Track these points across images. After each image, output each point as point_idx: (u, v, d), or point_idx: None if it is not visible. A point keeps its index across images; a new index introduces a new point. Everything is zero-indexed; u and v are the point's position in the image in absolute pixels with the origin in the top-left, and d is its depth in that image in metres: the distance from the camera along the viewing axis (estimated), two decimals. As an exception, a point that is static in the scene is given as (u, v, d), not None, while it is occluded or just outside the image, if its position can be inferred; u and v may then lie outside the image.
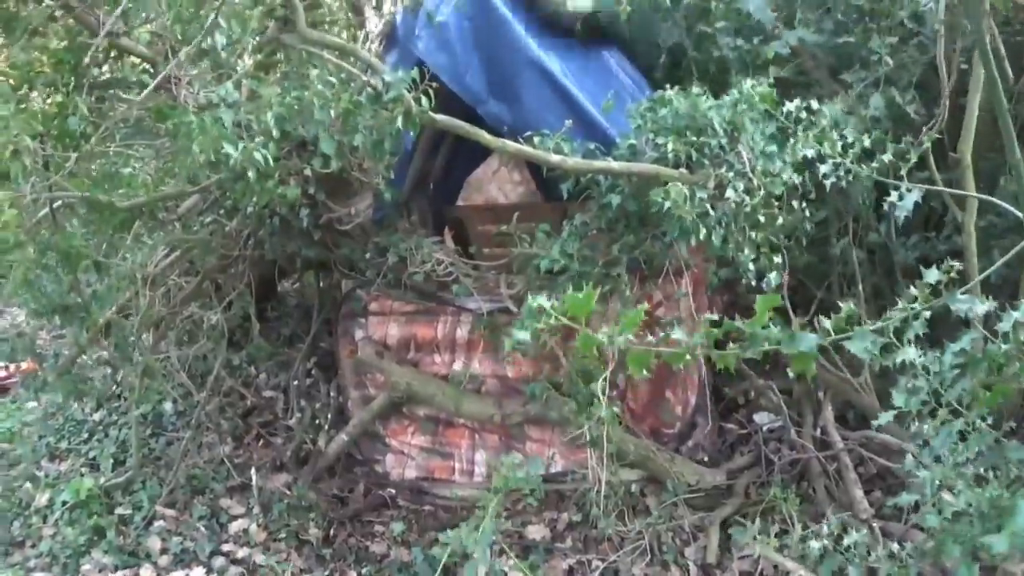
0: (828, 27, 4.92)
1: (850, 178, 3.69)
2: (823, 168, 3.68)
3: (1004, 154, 5.12)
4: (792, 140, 3.91)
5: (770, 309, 2.12)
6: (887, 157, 3.60)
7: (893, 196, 3.03)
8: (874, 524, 4.44)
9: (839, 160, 3.65)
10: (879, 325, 2.29)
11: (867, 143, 3.70)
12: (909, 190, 2.97)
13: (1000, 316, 2.61)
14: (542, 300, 2.11)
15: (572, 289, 4.28)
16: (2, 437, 6.72)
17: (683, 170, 4.12)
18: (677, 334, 2.19)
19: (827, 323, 2.23)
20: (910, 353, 2.81)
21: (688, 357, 2.19)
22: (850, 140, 3.71)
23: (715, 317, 2.19)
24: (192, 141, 4.01)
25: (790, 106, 3.89)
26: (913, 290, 2.38)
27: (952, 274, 2.39)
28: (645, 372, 2.20)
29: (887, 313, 2.40)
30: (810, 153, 3.77)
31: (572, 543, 5.14)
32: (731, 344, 2.22)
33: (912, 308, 2.37)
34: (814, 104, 3.92)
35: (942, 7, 4.43)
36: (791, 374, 2.27)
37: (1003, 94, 3.22)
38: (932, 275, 2.36)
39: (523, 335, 2.21)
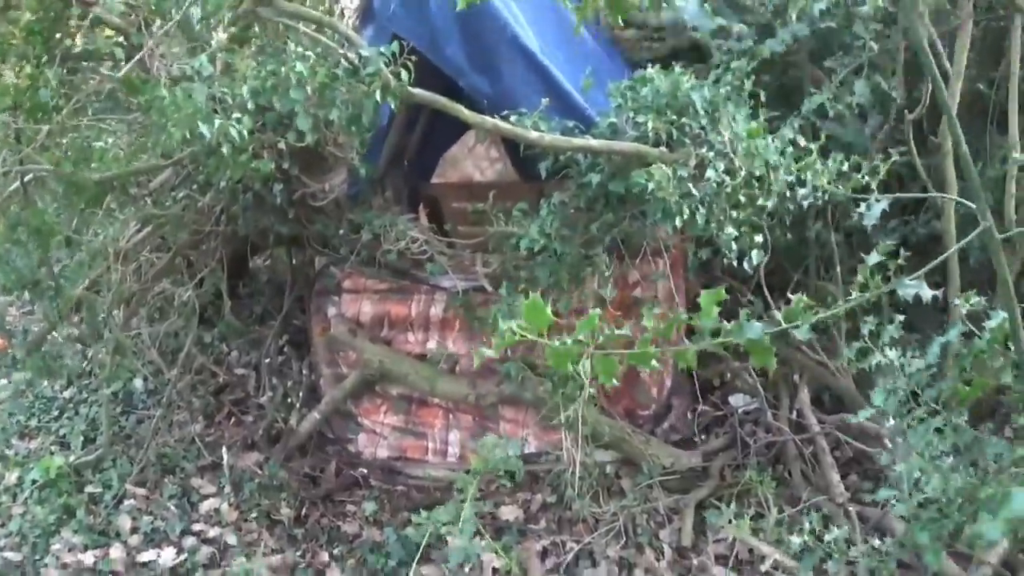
0: (814, 13, 4.89)
1: (826, 198, 3.79)
2: (802, 191, 3.76)
3: (983, 139, 5.15)
4: (773, 171, 3.96)
5: (717, 303, 2.10)
6: (862, 176, 3.66)
7: (862, 207, 3.04)
8: (850, 508, 4.44)
9: (816, 184, 3.74)
10: (829, 314, 2.27)
11: (844, 167, 3.77)
12: (878, 199, 2.97)
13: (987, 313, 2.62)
14: (508, 322, 2.09)
15: (547, 271, 4.31)
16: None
17: (663, 149, 4.09)
18: (623, 330, 2.16)
19: (778, 314, 2.22)
20: (890, 355, 2.82)
21: (654, 363, 2.17)
22: (830, 165, 3.80)
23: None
24: (165, 116, 3.96)
25: (776, 142, 3.93)
26: (859, 276, 2.36)
27: (900, 261, 2.38)
28: (614, 381, 2.18)
29: (836, 302, 2.39)
30: (791, 179, 3.83)
31: (546, 524, 5.13)
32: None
33: (861, 295, 2.35)
34: (800, 140, 3.96)
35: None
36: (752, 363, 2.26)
37: (944, 89, 3.22)
38: (873, 258, 2.34)
39: (490, 353, 2.19)
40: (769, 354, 2.14)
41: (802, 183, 3.86)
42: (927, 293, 2.39)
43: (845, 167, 3.81)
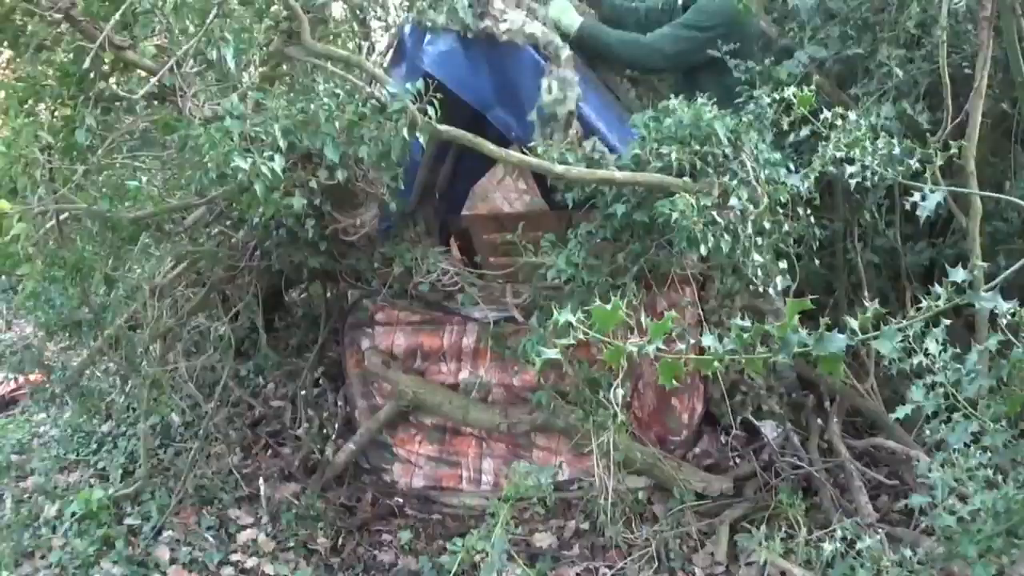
0: (834, 35, 4.92)
1: (875, 179, 3.73)
2: (850, 169, 3.71)
3: (1008, 159, 5.16)
4: (823, 144, 3.93)
5: (798, 312, 2.14)
6: (914, 162, 3.65)
7: (916, 196, 3.05)
8: (878, 529, 4.44)
9: (867, 163, 3.68)
10: (905, 323, 2.31)
11: (896, 150, 3.73)
12: (932, 190, 2.99)
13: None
14: (568, 315, 2.12)
15: (578, 299, 4.33)
16: (13, 449, 6.72)
17: (687, 179, 4.13)
18: (708, 340, 2.20)
19: (853, 323, 2.25)
20: (931, 348, 2.83)
21: (717, 364, 2.20)
22: (881, 145, 3.75)
23: (746, 323, 2.21)
24: (199, 154, 4.03)
25: (827, 113, 3.91)
26: (937, 288, 2.40)
27: (976, 273, 2.42)
28: (674, 382, 2.21)
29: (911, 312, 2.42)
30: (839, 155, 3.79)
31: (579, 551, 5.16)
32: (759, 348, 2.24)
33: (936, 306, 2.39)
34: (851, 115, 3.94)
35: (944, 14, 4.44)
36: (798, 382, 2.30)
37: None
38: (959, 274, 2.38)
39: (553, 353, 2.21)
40: (839, 363, 2.18)
41: (851, 160, 3.81)
42: (1003, 305, 2.43)
43: (897, 150, 3.76)
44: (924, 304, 2.44)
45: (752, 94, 4.45)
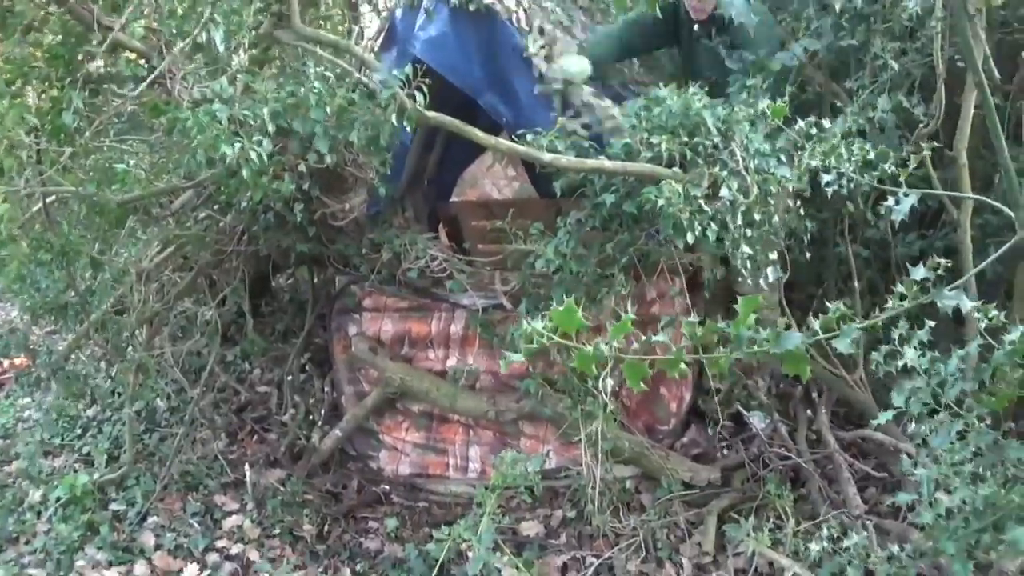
0: (826, 27, 4.90)
1: (851, 186, 3.73)
2: (826, 177, 3.71)
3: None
4: (800, 153, 3.93)
5: (754, 310, 2.12)
6: (889, 166, 3.63)
7: (890, 200, 3.05)
8: (868, 522, 4.44)
9: (842, 171, 3.69)
10: (867, 323, 2.29)
11: (871, 155, 3.73)
12: (906, 194, 2.98)
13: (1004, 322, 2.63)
14: (536, 324, 2.11)
15: (566, 290, 4.31)
16: (-1, 434, 6.72)
17: (677, 169, 4.11)
18: (661, 337, 2.19)
19: (815, 323, 2.24)
20: (909, 355, 2.83)
21: (682, 365, 2.19)
22: (855, 152, 3.74)
23: (695, 319, 2.19)
24: (187, 138, 4.01)
25: (801, 123, 3.91)
26: (901, 287, 2.39)
27: (939, 271, 2.41)
28: (642, 384, 2.20)
29: (875, 311, 2.41)
30: (815, 164, 3.79)
31: (566, 539, 5.15)
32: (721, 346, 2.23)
33: (900, 304, 2.38)
34: (825, 123, 3.94)
35: (939, 7, 4.42)
36: (784, 372, 2.28)
37: (989, 95, 3.22)
38: (919, 272, 2.38)
39: (517, 357, 2.21)
40: (804, 363, 2.17)
41: (827, 169, 3.81)
42: (967, 304, 2.42)
43: (871, 156, 3.77)
44: (889, 304, 2.43)
45: (746, 83, 4.44)
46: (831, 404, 5.43)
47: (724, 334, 2.18)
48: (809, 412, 5.45)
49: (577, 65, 4.94)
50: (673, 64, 6.08)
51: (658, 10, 4.64)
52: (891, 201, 3.05)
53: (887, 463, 5.03)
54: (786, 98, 3.94)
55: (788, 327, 2.51)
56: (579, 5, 6.06)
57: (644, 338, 2.20)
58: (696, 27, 5.18)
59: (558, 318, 2.08)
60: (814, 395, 5.53)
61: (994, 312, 2.67)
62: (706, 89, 4.36)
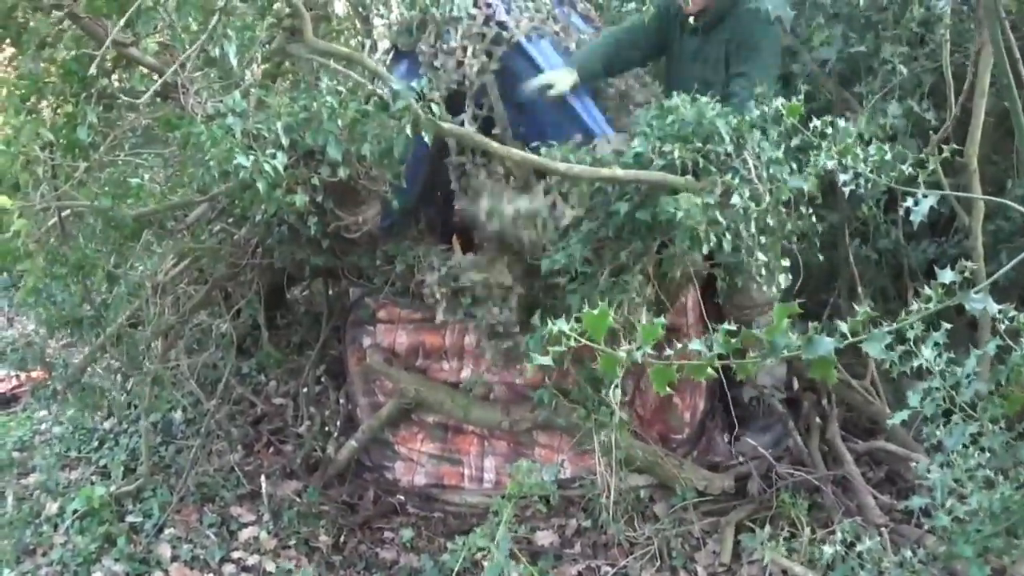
0: (836, 33, 4.92)
1: (868, 186, 3.71)
2: (843, 177, 3.69)
3: (1010, 158, 5.16)
4: (815, 153, 3.91)
5: (787, 316, 2.13)
6: (907, 167, 3.62)
7: (909, 201, 3.05)
8: (883, 530, 4.43)
9: (859, 170, 3.67)
10: (895, 326, 2.29)
11: (888, 156, 3.71)
12: (925, 195, 2.98)
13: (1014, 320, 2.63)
14: (562, 324, 2.12)
15: (580, 298, 4.32)
16: (15, 446, 6.73)
17: (689, 177, 4.12)
18: (696, 346, 2.19)
19: (843, 326, 2.24)
20: (926, 353, 2.83)
21: (709, 370, 2.19)
22: (872, 152, 3.73)
23: (732, 327, 2.19)
24: (201, 151, 4.03)
25: (816, 122, 3.90)
26: (927, 290, 2.39)
27: (966, 274, 2.41)
28: (668, 388, 2.20)
29: (902, 314, 2.41)
30: (831, 164, 3.78)
31: (581, 549, 5.15)
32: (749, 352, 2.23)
33: (926, 308, 2.38)
34: (840, 122, 3.93)
35: (947, 12, 4.43)
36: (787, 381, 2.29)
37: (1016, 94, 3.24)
38: (947, 275, 2.37)
39: (545, 360, 2.21)
40: (830, 367, 2.17)
41: (844, 169, 3.79)
42: (993, 307, 2.42)
43: (888, 156, 3.73)
44: (915, 307, 2.43)
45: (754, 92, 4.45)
46: (842, 411, 5.43)
47: (755, 340, 2.18)
48: (820, 420, 5.44)
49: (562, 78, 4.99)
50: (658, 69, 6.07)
51: (651, 9, 4.67)
52: (909, 202, 3.05)
53: (900, 469, 5.03)
54: (801, 96, 3.92)
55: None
56: (578, 11, 6.08)
57: (680, 345, 2.20)
58: (689, 21, 5.17)
59: (589, 321, 2.09)
60: (823, 402, 5.52)
61: (1013, 313, 2.67)
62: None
